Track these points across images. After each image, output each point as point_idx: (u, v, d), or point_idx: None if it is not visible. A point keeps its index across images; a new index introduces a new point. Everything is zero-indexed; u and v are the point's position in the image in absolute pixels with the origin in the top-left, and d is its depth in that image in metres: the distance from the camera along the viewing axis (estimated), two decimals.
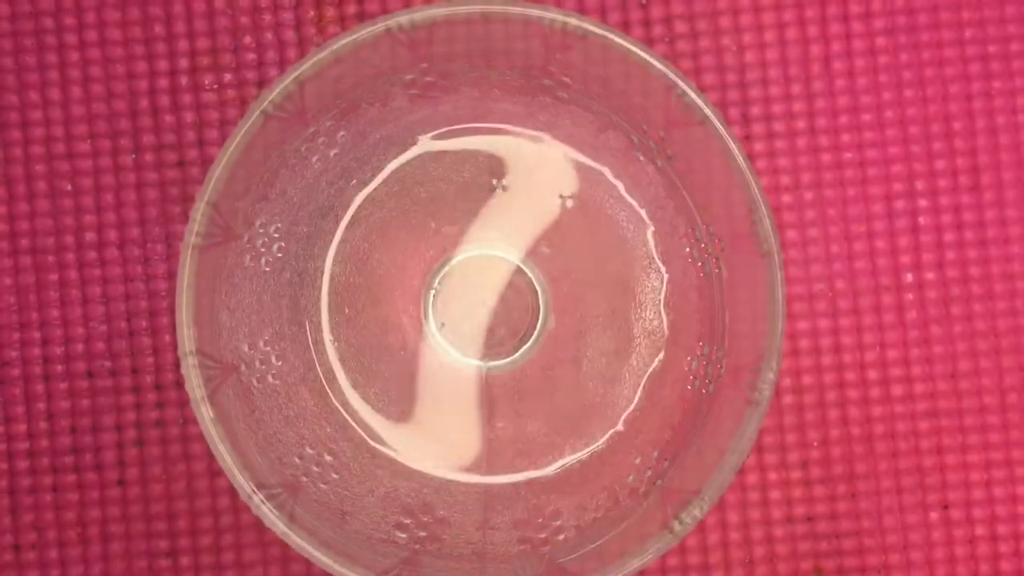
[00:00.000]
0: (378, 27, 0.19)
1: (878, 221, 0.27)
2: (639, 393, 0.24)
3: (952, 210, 0.27)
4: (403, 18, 0.19)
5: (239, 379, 0.21)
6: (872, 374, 0.26)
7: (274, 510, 0.19)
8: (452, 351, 0.26)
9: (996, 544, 0.26)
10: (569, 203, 0.25)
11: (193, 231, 0.19)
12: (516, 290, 0.26)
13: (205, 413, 0.19)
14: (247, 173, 0.20)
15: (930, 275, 0.27)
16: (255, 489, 0.19)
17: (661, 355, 0.24)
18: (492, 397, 0.26)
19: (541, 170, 0.25)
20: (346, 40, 0.19)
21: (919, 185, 0.27)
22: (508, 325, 0.25)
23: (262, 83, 0.27)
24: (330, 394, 0.24)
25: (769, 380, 0.21)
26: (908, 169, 0.27)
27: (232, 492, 0.27)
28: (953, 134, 0.27)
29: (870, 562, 0.26)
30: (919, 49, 0.27)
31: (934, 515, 0.26)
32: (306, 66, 0.19)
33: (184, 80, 0.27)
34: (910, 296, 0.27)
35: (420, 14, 0.19)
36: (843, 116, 0.27)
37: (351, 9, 0.27)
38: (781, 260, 0.22)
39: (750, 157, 0.26)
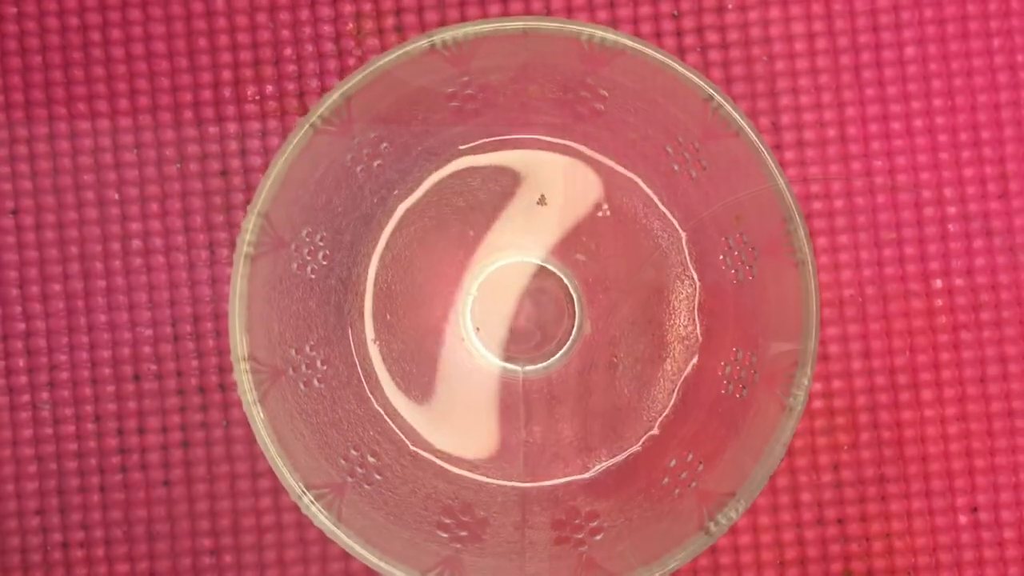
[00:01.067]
0: (423, 43, 0.20)
1: (907, 228, 0.27)
2: (674, 397, 0.24)
3: (981, 217, 0.27)
4: (447, 34, 0.20)
5: (287, 383, 0.21)
6: (902, 379, 0.27)
7: (323, 510, 0.20)
8: (489, 356, 0.26)
9: None
10: (604, 212, 0.26)
11: (245, 240, 0.20)
12: (552, 296, 0.27)
13: (257, 415, 0.20)
14: (295, 184, 0.21)
15: (959, 281, 0.27)
16: (304, 489, 0.20)
17: (695, 360, 0.24)
18: (529, 401, 0.26)
19: (577, 180, 0.26)
20: (392, 56, 0.20)
21: (948, 192, 0.27)
22: (544, 330, 0.26)
23: (303, 94, 0.28)
24: (372, 398, 0.25)
25: (804, 386, 0.22)
26: (937, 177, 0.27)
27: (274, 492, 0.27)
28: (982, 143, 0.27)
29: (899, 564, 0.27)
30: (948, 59, 0.27)
31: (963, 518, 0.27)
32: (354, 81, 0.20)
33: (227, 92, 0.28)
34: (939, 302, 0.27)
35: (463, 30, 0.20)
36: (873, 125, 0.27)
37: (389, 22, 0.28)
38: (815, 268, 0.22)
39: (781, 165, 0.27)
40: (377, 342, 0.25)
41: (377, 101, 0.21)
